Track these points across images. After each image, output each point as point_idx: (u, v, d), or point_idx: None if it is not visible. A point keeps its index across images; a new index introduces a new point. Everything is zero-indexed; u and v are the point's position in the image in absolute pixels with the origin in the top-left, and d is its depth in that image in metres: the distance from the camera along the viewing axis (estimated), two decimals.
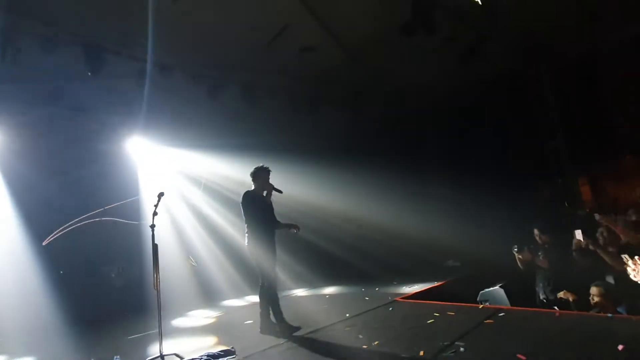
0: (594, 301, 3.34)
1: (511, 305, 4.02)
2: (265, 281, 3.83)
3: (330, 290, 6.22)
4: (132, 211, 5.06)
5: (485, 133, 7.11)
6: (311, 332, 3.64)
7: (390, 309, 4.20)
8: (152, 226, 3.45)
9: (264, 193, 3.98)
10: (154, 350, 3.56)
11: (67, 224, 4.41)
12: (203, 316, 5.42)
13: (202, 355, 3.37)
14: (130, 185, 6.21)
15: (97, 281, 6.19)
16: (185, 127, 6.51)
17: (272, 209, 4.03)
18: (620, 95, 6.65)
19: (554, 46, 6.52)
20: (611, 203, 6.23)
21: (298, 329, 3.71)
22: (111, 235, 6.10)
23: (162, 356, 3.29)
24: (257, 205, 3.89)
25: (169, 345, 3.70)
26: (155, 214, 3.43)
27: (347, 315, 4.07)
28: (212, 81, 6.26)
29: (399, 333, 3.29)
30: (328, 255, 7.26)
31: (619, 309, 3.55)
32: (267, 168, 4.03)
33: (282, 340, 3.43)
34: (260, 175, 3.99)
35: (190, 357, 3.35)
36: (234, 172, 6.84)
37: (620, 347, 2.36)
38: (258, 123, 6.96)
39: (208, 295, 6.54)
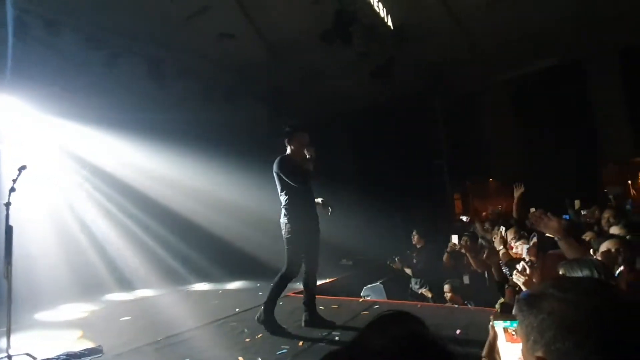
0: (448, 296, 3.97)
1: (388, 298, 4.50)
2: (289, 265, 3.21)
3: (227, 285, 6.07)
4: None
5: (386, 145, 7.84)
6: (195, 329, 3.49)
7: (281, 303, 4.27)
8: (7, 204, 2.91)
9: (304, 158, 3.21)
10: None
11: None
12: (74, 310, 4.75)
13: (59, 355, 2.97)
14: None
15: None
16: (71, 94, 5.62)
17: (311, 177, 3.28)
18: (491, 129, 8.11)
19: (447, 79, 7.57)
20: (475, 217, 7.50)
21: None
22: None
23: (9, 357, 2.80)
24: (295, 173, 3.15)
25: (24, 344, 3.15)
26: (12, 189, 2.91)
27: (237, 310, 4.03)
28: (112, 49, 5.58)
29: (283, 326, 3.39)
30: (230, 249, 7.07)
31: (467, 302, 4.29)
32: (305, 128, 3.33)
33: (159, 337, 3.22)
34: (298, 136, 3.24)
35: (46, 357, 2.92)
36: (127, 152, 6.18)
37: (458, 331, 2.87)
38: (162, 103, 6.43)
39: (86, 287, 5.70)
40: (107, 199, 6.44)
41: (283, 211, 3.21)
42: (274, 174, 3.20)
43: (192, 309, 4.38)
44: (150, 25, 5.75)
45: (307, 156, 3.18)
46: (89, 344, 3.17)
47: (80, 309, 4.83)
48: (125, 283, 6.04)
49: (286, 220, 3.16)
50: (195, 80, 6.74)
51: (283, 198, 3.21)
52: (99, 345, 3.10)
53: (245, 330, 3.31)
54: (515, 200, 4.52)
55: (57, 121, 5.75)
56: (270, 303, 3.23)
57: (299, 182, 3.12)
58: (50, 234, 5.77)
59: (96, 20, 5.43)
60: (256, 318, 3.22)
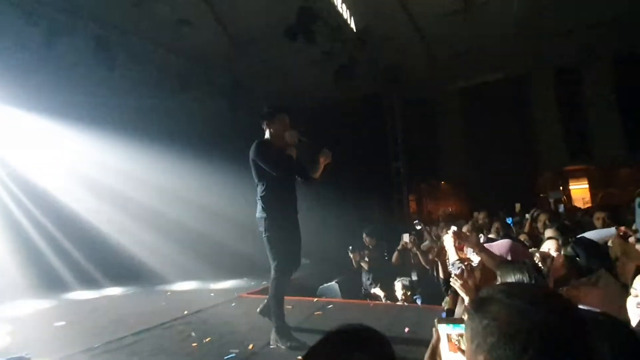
0: (399, 294, 4.11)
1: (343, 298, 4.56)
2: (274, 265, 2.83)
3: (176, 286, 5.77)
4: None
5: (344, 145, 7.93)
6: (138, 333, 3.27)
7: (233, 304, 4.19)
8: None
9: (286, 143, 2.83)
10: None
11: None
12: (3, 314, 4.27)
13: None
14: None
15: None
16: (3, 73, 5.02)
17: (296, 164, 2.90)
18: (443, 134, 8.58)
19: (404, 84, 7.82)
20: (427, 217, 7.87)
21: (304, 345, 2.60)
22: None
23: None
24: (275, 159, 2.76)
25: None
26: None
27: (185, 312, 3.84)
28: (53, 26, 5.07)
29: (234, 328, 3.31)
30: (182, 247, 6.75)
31: (416, 299, 4.47)
32: (286, 109, 2.97)
33: (97, 343, 2.99)
34: (278, 118, 2.86)
35: None
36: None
37: (406, 329, 2.98)
38: (109, 88, 5.97)
39: (22, 288, 5.11)
40: (48, 191, 5.85)
41: (259, 204, 2.83)
42: (250, 161, 2.80)
43: (137, 311, 4.11)
44: (97, 2, 5.30)
45: (289, 141, 2.82)
46: (14, 352, 2.86)
47: (11, 312, 4.35)
48: (67, 283, 5.54)
49: (264, 215, 2.78)
50: (148, 65, 6.33)
51: (260, 189, 2.82)
52: (27, 354, 2.81)
53: (193, 334, 3.17)
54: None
55: None
56: (279, 318, 2.83)
57: (280, 170, 2.73)
58: None
59: None
60: (273, 340, 2.80)
